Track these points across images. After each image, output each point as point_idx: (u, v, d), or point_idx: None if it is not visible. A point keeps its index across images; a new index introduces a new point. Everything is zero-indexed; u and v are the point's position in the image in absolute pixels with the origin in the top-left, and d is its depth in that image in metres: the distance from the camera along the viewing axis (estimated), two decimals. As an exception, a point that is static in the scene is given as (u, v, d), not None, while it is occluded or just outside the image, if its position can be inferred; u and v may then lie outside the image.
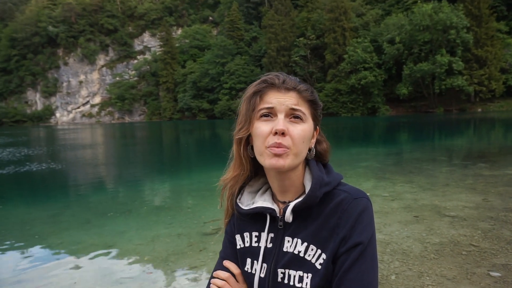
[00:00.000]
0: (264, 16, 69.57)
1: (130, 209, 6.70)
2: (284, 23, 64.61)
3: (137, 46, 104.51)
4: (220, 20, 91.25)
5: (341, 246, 0.86)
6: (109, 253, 4.48)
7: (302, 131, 0.90)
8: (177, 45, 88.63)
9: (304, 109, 0.91)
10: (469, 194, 6.21)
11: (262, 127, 0.90)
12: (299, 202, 0.90)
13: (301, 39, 61.39)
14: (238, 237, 1.02)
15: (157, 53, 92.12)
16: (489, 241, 4.04)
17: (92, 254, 4.45)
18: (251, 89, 0.95)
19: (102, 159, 16.83)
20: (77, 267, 4.08)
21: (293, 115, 0.90)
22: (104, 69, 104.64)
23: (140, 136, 34.11)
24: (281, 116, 0.89)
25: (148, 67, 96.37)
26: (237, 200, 1.02)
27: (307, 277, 0.88)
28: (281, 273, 0.91)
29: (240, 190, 1.03)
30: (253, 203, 1.00)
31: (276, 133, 0.87)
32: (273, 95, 0.91)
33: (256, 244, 0.98)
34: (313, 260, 0.88)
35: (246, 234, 1.00)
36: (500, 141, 16.09)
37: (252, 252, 0.98)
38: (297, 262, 0.90)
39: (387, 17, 54.34)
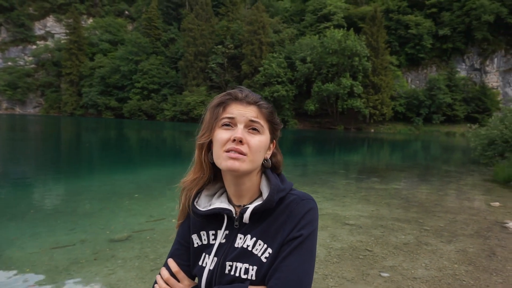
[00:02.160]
0: (184, 19, 68.50)
1: (22, 213, 5.93)
2: (204, 29, 64.53)
3: (38, 30, 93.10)
4: (137, 16, 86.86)
5: (285, 239, 0.95)
6: (-5, 262, 3.91)
7: (259, 142, 0.99)
8: (86, 35, 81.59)
9: (262, 122, 1.00)
10: (364, 204, 6.99)
11: (222, 134, 0.98)
12: (258, 205, 0.98)
13: (219, 46, 61.96)
14: (195, 236, 1.06)
15: (62, 41, 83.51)
16: (380, 246, 4.61)
17: (-27, 264, 3.84)
18: (215, 100, 1.03)
19: (-16, 154, 14.54)
20: (-48, 280, 3.48)
21: (252, 127, 0.99)
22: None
23: (34, 131, 30.36)
24: (240, 126, 0.97)
25: (49, 55, 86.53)
26: (194, 203, 1.06)
27: (253, 269, 0.94)
28: (229, 265, 0.97)
29: (197, 194, 1.07)
30: (210, 205, 1.05)
31: (234, 140, 0.95)
32: (235, 107, 0.99)
33: (213, 242, 1.03)
34: (259, 254, 0.95)
35: (203, 233, 1.05)
36: (387, 159, 18.41)
37: (208, 249, 1.03)
38: (245, 255, 0.96)
39: (301, 37, 58.21)
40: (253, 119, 0.98)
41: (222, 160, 0.96)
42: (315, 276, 3.63)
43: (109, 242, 4.60)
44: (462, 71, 57.62)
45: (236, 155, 0.94)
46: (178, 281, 1.03)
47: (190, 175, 1.08)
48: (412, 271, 3.86)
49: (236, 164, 0.94)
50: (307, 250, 0.94)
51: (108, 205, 6.67)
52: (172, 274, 1.04)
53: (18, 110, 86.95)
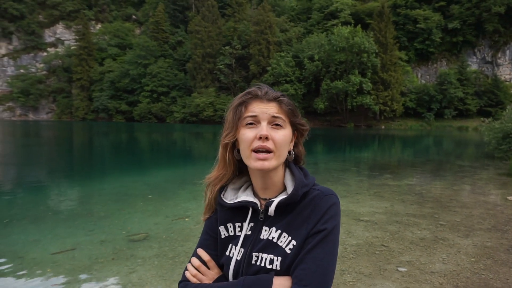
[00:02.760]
0: (191, 21, 68.92)
1: (41, 216, 6.07)
2: (211, 30, 64.82)
3: (48, 38, 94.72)
4: (144, 20, 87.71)
5: (310, 232, 0.99)
6: (19, 265, 4.02)
7: (283, 136, 1.03)
8: (94, 41, 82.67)
9: (283, 116, 1.04)
10: (378, 201, 6.97)
11: (247, 133, 1.02)
12: (283, 199, 1.02)
13: (227, 47, 62.16)
14: (222, 228, 1.11)
15: (72, 47, 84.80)
16: (396, 242, 4.60)
17: (-2, 265, 3.95)
18: (236, 100, 1.07)
19: (0, 160, 14.87)
20: (-20, 280, 3.60)
21: (275, 123, 1.03)
22: (5, 59, 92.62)
23: (47, 136, 30.91)
24: (264, 123, 1.01)
25: (60, 61, 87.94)
26: (221, 196, 1.11)
27: (277, 260, 0.99)
28: (255, 256, 1.02)
29: (223, 188, 1.13)
30: (236, 198, 1.10)
31: (260, 138, 0.99)
32: (256, 105, 1.04)
33: (239, 233, 1.08)
34: (284, 246, 1.00)
35: (230, 225, 1.10)
36: (399, 155, 18.25)
37: (234, 240, 1.08)
38: (270, 247, 1.01)
39: (309, 36, 58.04)
40: (275, 114, 1.02)
41: (251, 161, 1.01)
42: (332, 271, 3.66)
43: (127, 242, 4.69)
44: (473, 65, 56.74)
45: (264, 155, 1.00)
46: (209, 269, 1.08)
47: (215, 172, 1.13)
48: (430, 266, 3.85)
49: (265, 164, 1.00)
50: (331, 243, 0.98)
51: (124, 206, 6.77)
52: (203, 263, 1.09)
53: (31, 116, 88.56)
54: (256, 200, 1.07)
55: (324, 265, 0.95)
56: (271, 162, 1.00)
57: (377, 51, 50.29)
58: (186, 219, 5.69)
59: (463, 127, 48.05)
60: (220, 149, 1.10)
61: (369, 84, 49.64)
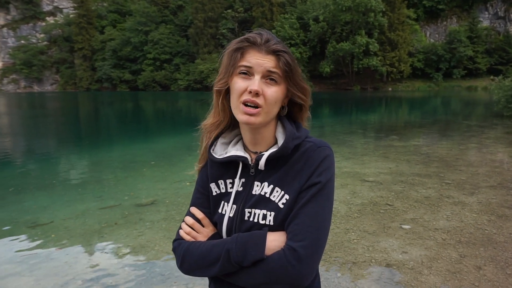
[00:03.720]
0: (191, -16, 66.55)
1: (52, 183, 6.20)
2: (212, -7, 62.68)
3: (46, 6, 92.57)
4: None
5: (303, 186, 0.96)
6: (32, 230, 4.15)
7: (275, 93, 0.97)
8: (93, 8, 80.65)
9: (280, 71, 0.97)
10: (383, 162, 6.97)
11: (239, 83, 0.96)
12: (273, 152, 0.98)
13: (229, 11, 60.38)
14: (213, 185, 1.08)
15: (71, 16, 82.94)
16: (400, 201, 4.63)
17: (12, 232, 4.09)
18: (233, 45, 0.99)
19: (8, 131, 15.04)
20: (-4, 245, 3.73)
21: (269, 77, 0.96)
22: (5, 29, 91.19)
23: (53, 107, 31.01)
24: (257, 77, 0.95)
25: (60, 31, 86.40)
26: (211, 150, 1.07)
27: (270, 215, 0.97)
28: (248, 212, 0.99)
29: (215, 140, 1.09)
30: (226, 153, 1.06)
31: (250, 92, 0.94)
32: (253, 55, 0.96)
33: (231, 190, 1.05)
34: (277, 200, 0.97)
35: (221, 182, 1.07)
36: (406, 117, 18.07)
37: (226, 197, 1.05)
38: (263, 202, 0.98)
39: (313, -5, 55.86)
40: (271, 69, 0.95)
41: (238, 112, 0.97)
42: (336, 230, 3.72)
43: (135, 206, 4.79)
44: (484, 21, 54.61)
45: (252, 110, 0.94)
46: (203, 227, 1.07)
47: (210, 119, 1.09)
48: (434, 223, 3.89)
49: (251, 119, 0.95)
50: (326, 196, 0.95)
51: (131, 173, 6.88)
52: (197, 221, 1.07)
53: (36, 88, 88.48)
54: (246, 155, 1.03)
55: (319, 219, 0.92)
56: (257, 118, 0.95)
57: (384, 9, 48.42)
58: (187, 183, 5.76)
59: (472, 87, 47.06)
60: (214, 96, 1.05)
61: (376, 45, 48.27)
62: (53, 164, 8.24)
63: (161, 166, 7.41)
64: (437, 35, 56.63)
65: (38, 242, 3.80)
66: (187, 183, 5.84)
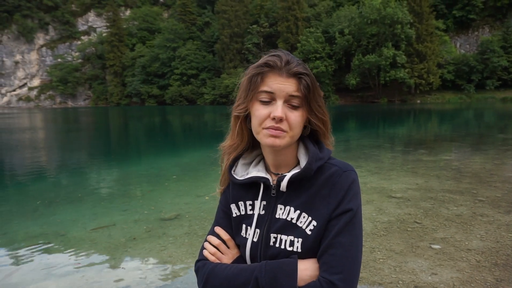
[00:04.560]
0: (218, 1, 68.29)
1: (80, 197, 6.39)
2: (238, 9, 64.04)
3: (81, 26, 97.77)
4: (171, 3, 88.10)
5: (333, 213, 0.93)
6: (61, 242, 4.27)
7: (299, 117, 0.95)
8: (125, 26, 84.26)
9: (301, 95, 0.94)
10: (411, 177, 6.73)
11: (260, 110, 0.94)
12: (296, 173, 0.96)
13: (254, 26, 61.34)
14: (233, 206, 1.07)
15: (103, 35, 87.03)
16: (430, 219, 4.43)
17: (40, 244, 4.22)
18: (253, 70, 0.96)
19: (42, 144, 15.74)
20: (21, 259, 3.85)
21: (291, 101, 0.94)
22: (43, 49, 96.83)
23: (86, 122, 32.30)
24: (279, 102, 0.92)
25: (93, 49, 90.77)
26: (232, 172, 1.07)
27: (298, 242, 0.94)
28: (273, 237, 0.97)
29: (235, 161, 1.08)
30: (247, 173, 1.05)
31: (274, 118, 0.92)
32: (274, 80, 0.93)
33: (251, 212, 1.03)
34: (304, 227, 0.94)
35: (241, 203, 1.06)
36: (435, 130, 17.48)
37: (247, 219, 1.03)
38: (289, 228, 0.96)
39: (338, 9, 55.94)
40: (293, 93, 0.93)
41: (262, 137, 0.95)
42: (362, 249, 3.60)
43: (159, 221, 4.84)
44: (519, 30, 52.47)
45: (276, 132, 0.92)
46: (229, 248, 1.05)
47: (228, 141, 1.07)
48: (466, 243, 3.69)
49: (276, 142, 0.93)
50: (357, 225, 0.93)
51: (156, 187, 6.99)
52: (223, 242, 1.05)
53: (70, 104, 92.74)
54: (267, 176, 1.01)
55: (353, 250, 0.90)
56: (282, 140, 0.93)
57: (411, 21, 47.69)
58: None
59: (508, 98, 45.06)
60: (232, 119, 1.04)
61: (403, 57, 47.43)
62: (83, 177, 8.52)
63: (186, 180, 7.49)
64: (468, 46, 55.00)
65: (64, 255, 3.90)
66: (210, 198, 5.85)
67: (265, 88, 0.93)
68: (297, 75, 0.93)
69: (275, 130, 0.92)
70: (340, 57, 52.95)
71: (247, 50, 61.95)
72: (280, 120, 0.91)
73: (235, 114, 1.02)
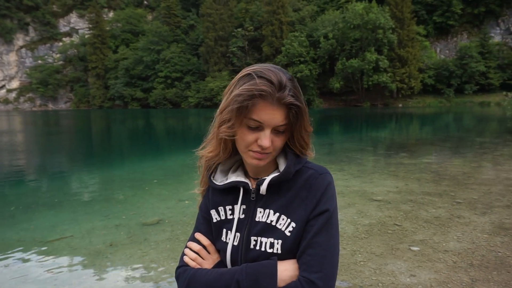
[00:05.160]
0: (202, 4, 68.18)
1: (60, 202, 6.25)
2: (223, 13, 64.05)
3: (63, 27, 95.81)
4: (155, 5, 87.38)
5: (311, 214, 0.95)
6: (38, 249, 4.16)
7: (283, 140, 0.98)
8: (108, 28, 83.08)
9: (288, 120, 0.95)
10: (392, 180, 6.86)
11: (248, 135, 0.94)
12: (276, 176, 0.98)
13: (239, 30, 61.42)
14: (213, 211, 1.08)
15: (86, 36, 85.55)
16: (409, 221, 4.53)
17: (17, 251, 4.10)
18: (242, 95, 0.91)
19: (21, 148, 15.34)
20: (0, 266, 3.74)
21: (278, 128, 0.95)
22: (23, 50, 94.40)
23: (67, 125, 31.64)
24: (267, 132, 0.93)
25: (75, 50, 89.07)
26: (211, 178, 1.08)
27: (278, 243, 0.96)
28: (254, 240, 0.98)
29: (214, 168, 1.09)
30: (226, 179, 1.06)
31: (260, 145, 0.94)
32: (264, 109, 0.91)
33: (231, 217, 1.04)
34: (283, 228, 0.96)
35: (221, 208, 1.06)
36: (416, 134, 17.86)
37: (227, 224, 1.04)
38: (269, 230, 0.97)
39: (322, 14, 56.62)
40: (281, 123, 0.93)
41: (247, 157, 0.98)
42: (343, 251, 3.64)
43: (141, 226, 4.78)
44: (496, 36, 54.29)
45: (262, 156, 0.96)
46: (209, 253, 1.05)
47: (210, 151, 1.05)
48: (444, 244, 3.78)
49: (261, 163, 0.97)
50: (334, 225, 0.96)
51: (139, 191, 6.90)
52: (203, 247, 1.05)
53: (51, 106, 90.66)
54: (247, 180, 1.03)
55: (331, 249, 0.93)
56: (266, 160, 0.98)
57: (393, 26, 48.65)
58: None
59: (485, 103, 46.43)
60: (215, 134, 1.02)
61: (386, 61, 48.32)
62: (63, 181, 8.34)
63: (169, 184, 7.43)
64: (447, 51, 56.44)
65: (42, 262, 3.80)
66: (193, 202, 5.81)
67: (254, 116, 0.92)
68: (287, 105, 0.92)
69: (261, 154, 0.95)
70: (324, 61, 53.54)
71: (232, 54, 61.97)
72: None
73: (221, 136, 0.99)
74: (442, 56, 55.55)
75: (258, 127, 0.93)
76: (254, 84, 0.91)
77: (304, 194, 0.97)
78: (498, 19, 54.84)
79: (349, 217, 4.70)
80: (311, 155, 1.06)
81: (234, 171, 1.08)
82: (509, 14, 54.21)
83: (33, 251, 4.10)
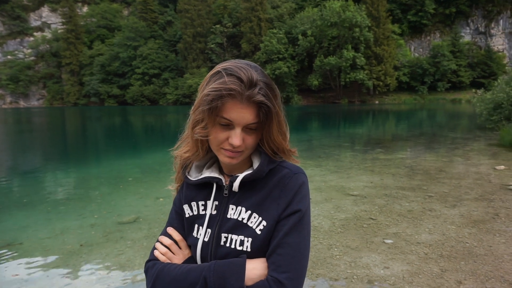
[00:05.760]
0: (179, 0, 67.25)
1: (32, 201, 6.06)
2: (201, 9, 63.46)
3: (34, 22, 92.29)
4: (131, 0, 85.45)
5: (282, 213, 0.95)
6: (10, 251, 4.03)
7: (256, 138, 0.98)
8: (82, 23, 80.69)
9: (259, 119, 0.94)
10: (368, 175, 7.02)
11: (219, 133, 0.94)
12: (249, 174, 0.98)
13: (217, 26, 61.06)
14: (186, 206, 1.07)
15: (59, 31, 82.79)
16: (384, 215, 4.65)
17: (-13, 253, 3.96)
18: (212, 94, 0.91)
19: (-8, 148, 14.74)
20: (-31, 268, 3.60)
21: (249, 126, 0.94)
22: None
23: (40, 122, 30.59)
24: (238, 130, 0.93)
25: (47, 46, 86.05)
26: (186, 173, 1.08)
27: (248, 241, 0.95)
28: (224, 237, 0.98)
29: (189, 164, 1.10)
30: (201, 174, 1.06)
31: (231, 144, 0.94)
32: (233, 107, 0.91)
33: (203, 212, 1.04)
34: (254, 226, 0.96)
35: (194, 204, 1.06)
36: (392, 130, 18.32)
37: (199, 219, 1.04)
38: (240, 228, 0.97)
39: (301, 11, 57.00)
40: (252, 121, 0.93)
41: (220, 155, 0.98)
42: (319, 246, 3.70)
43: (117, 224, 4.70)
44: (466, 36, 56.31)
45: (234, 154, 0.96)
46: (180, 249, 1.05)
47: (185, 149, 1.06)
48: (416, 237, 3.91)
49: (233, 161, 0.97)
50: (306, 225, 0.96)
51: (115, 190, 6.77)
52: (174, 242, 1.05)
53: (22, 104, 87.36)
54: (220, 176, 1.03)
55: (301, 250, 0.93)
56: (239, 158, 0.97)
57: (369, 25, 49.64)
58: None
59: (456, 100, 48.11)
60: (190, 134, 1.02)
61: (362, 59, 49.26)
62: (36, 181, 8.08)
63: (146, 182, 7.33)
64: (421, 50, 58.05)
65: (14, 264, 3.69)
66: (171, 200, 5.76)
67: (224, 115, 0.92)
68: (258, 103, 0.92)
69: (233, 153, 0.95)
70: (303, 58, 54.00)
71: (211, 50, 61.55)
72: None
73: (196, 137, 0.99)
74: (416, 54, 57.14)
75: (229, 125, 0.93)
76: (223, 83, 0.90)
77: (277, 193, 0.97)
78: (467, 19, 56.84)
79: (326, 212, 4.78)
80: (297, 162, 1.06)
81: (209, 167, 1.08)
82: (478, 14, 56.30)
83: (3, 253, 3.97)
